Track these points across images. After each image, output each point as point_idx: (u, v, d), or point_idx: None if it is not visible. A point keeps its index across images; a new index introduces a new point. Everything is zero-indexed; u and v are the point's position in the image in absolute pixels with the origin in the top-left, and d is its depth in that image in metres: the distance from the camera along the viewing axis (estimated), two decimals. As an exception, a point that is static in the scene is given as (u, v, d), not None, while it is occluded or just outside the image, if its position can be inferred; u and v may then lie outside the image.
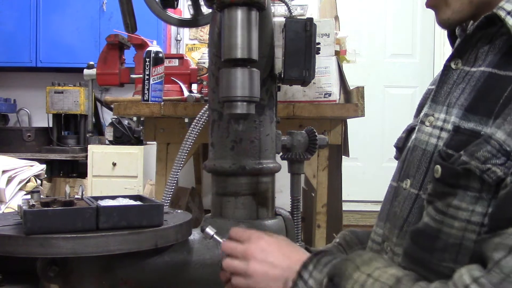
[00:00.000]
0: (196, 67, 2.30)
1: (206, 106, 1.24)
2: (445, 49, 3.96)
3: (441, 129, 0.79)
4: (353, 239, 1.06)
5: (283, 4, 1.20)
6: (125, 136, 3.37)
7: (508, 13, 0.73)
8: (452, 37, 0.90)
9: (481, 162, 0.66)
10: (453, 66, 0.82)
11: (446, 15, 0.81)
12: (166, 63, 2.12)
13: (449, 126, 0.77)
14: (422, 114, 0.86)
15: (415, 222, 0.79)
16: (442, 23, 0.83)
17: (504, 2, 0.74)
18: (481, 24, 0.77)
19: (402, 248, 0.80)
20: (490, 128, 0.68)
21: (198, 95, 1.96)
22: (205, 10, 1.18)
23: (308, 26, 1.03)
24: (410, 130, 0.92)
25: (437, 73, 1.00)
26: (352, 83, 2.02)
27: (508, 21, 0.72)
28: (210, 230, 0.95)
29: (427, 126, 0.82)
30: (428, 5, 0.85)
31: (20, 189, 2.31)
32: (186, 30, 4.10)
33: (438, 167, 0.73)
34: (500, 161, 0.65)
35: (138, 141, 3.37)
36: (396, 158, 0.96)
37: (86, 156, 3.40)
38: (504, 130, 0.66)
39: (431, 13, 0.85)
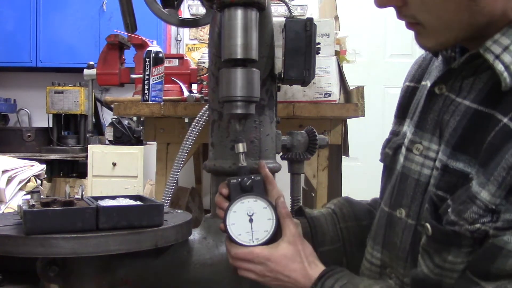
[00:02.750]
0: (196, 67, 2.30)
1: (206, 106, 1.25)
2: (445, 49, 3.95)
3: (435, 160, 0.78)
4: (350, 213, 1.06)
5: (283, 4, 1.20)
6: (125, 136, 3.37)
7: (497, 57, 0.69)
8: None
9: (469, 223, 0.68)
10: (437, 91, 0.80)
11: (429, 43, 0.76)
12: (166, 63, 2.12)
13: (439, 162, 0.76)
14: (407, 139, 0.85)
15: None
16: (422, 47, 0.78)
17: (491, 43, 0.70)
18: (466, 61, 0.74)
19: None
20: (476, 177, 0.69)
21: (198, 95, 1.95)
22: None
23: (308, 26, 1.03)
24: (396, 148, 0.90)
25: (411, 65, 0.99)
26: (352, 83, 2.02)
27: (496, 66, 0.69)
28: (241, 147, 0.91)
29: (416, 154, 0.81)
30: (409, 27, 0.77)
31: (20, 189, 2.31)
32: (186, 30, 4.10)
33: (428, 226, 0.74)
34: (487, 219, 0.67)
35: (138, 141, 3.37)
36: (382, 161, 0.96)
37: (86, 156, 3.40)
38: (489, 191, 0.66)
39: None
